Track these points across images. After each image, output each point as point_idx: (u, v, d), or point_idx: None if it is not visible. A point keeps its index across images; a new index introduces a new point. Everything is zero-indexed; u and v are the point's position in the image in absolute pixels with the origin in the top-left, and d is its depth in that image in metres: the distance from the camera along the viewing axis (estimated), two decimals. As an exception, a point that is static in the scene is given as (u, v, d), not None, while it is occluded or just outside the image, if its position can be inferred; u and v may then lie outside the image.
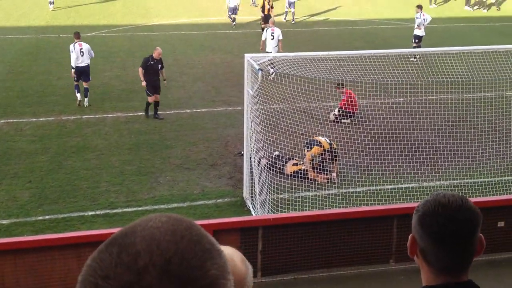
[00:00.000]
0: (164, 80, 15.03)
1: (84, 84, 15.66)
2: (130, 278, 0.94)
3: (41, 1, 29.98)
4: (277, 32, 18.93)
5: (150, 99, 14.70)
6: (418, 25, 20.79)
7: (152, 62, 14.60)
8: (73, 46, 15.68)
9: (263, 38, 19.43)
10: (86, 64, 15.65)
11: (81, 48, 15.63)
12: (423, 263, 2.03)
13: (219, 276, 0.99)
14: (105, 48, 22.34)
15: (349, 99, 14.33)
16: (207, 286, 0.97)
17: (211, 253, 1.00)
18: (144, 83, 14.63)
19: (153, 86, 14.64)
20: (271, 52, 18.92)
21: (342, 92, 14.42)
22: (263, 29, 22.53)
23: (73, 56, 15.58)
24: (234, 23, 26.90)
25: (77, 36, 15.90)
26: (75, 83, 15.65)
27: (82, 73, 15.60)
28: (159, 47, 15.20)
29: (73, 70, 15.66)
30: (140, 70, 14.70)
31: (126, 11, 29.03)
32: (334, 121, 14.24)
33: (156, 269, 0.94)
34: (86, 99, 15.64)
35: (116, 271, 0.94)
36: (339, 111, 14.31)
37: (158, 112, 14.86)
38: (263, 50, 19.22)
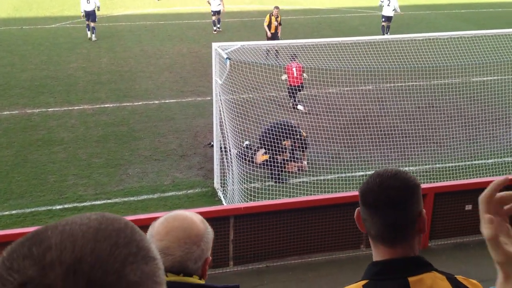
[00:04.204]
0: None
1: (92, 24, 21.17)
2: (34, 273, 0.86)
3: (2, -8, 29.22)
4: None
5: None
6: (388, 5, 21.85)
7: None
8: None
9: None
10: (92, 9, 21.13)
11: None
12: (369, 237, 2.15)
13: (139, 283, 0.91)
14: (69, 39, 21.93)
15: (291, 74, 14.21)
16: None
17: (136, 258, 0.92)
18: None
19: None
20: (216, 11, 23.17)
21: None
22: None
23: (82, 2, 21.26)
24: (216, 27, 23.88)
25: None
26: (86, 23, 21.40)
27: (90, 15, 21.07)
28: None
29: (82, 13, 21.40)
30: None
31: (91, 2, 28.48)
32: (293, 106, 14.23)
33: (62, 266, 0.86)
34: (93, 35, 21.25)
35: (23, 264, 0.87)
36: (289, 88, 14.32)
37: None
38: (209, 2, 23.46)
